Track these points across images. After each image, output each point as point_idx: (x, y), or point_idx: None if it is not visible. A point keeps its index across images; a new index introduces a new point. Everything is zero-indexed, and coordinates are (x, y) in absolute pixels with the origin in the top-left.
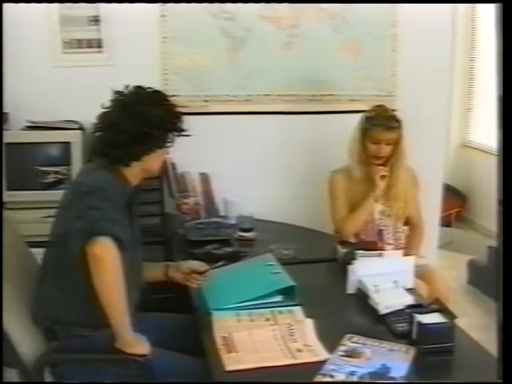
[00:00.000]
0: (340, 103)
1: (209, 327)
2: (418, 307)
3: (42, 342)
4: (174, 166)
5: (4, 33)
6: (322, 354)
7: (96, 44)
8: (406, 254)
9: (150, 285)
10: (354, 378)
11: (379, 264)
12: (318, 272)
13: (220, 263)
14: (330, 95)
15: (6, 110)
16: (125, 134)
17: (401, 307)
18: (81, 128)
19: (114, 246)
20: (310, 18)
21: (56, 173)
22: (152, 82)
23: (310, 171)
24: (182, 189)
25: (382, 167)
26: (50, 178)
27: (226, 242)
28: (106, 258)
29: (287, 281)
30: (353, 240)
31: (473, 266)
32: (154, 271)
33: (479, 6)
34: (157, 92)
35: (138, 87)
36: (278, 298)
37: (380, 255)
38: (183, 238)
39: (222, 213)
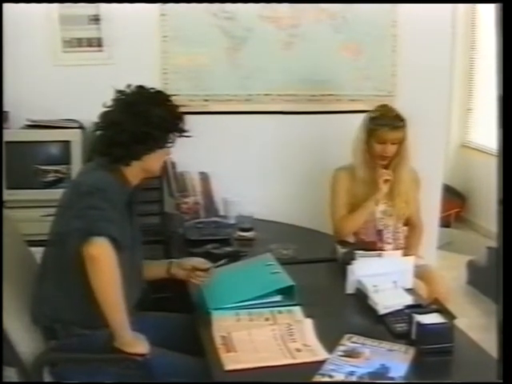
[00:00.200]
0: (340, 103)
1: (208, 327)
2: (418, 307)
3: (41, 341)
4: (173, 165)
5: (4, 32)
6: (321, 353)
7: (96, 43)
8: (404, 254)
9: (149, 284)
10: (353, 378)
11: (378, 264)
12: (317, 272)
13: (223, 261)
14: (330, 95)
15: (5, 108)
16: (126, 133)
17: (400, 307)
18: (81, 127)
19: (111, 247)
20: (310, 17)
21: (56, 172)
22: (152, 81)
23: (309, 171)
24: (181, 188)
25: (386, 171)
26: (50, 177)
27: (225, 242)
28: (102, 258)
29: (286, 281)
30: (352, 240)
31: (472, 267)
32: (157, 268)
33: (479, 6)
34: (159, 92)
35: (140, 87)
36: (278, 298)
37: (379, 255)
38: (183, 237)
39: (221, 212)
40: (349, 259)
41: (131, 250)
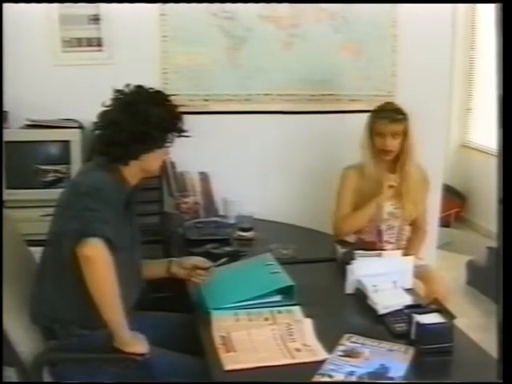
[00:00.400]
0: (340, 103)
1: (207, 326)
2: (417, 307)
3: (40, 340)
4: (173, 165)
5: (4, 32)
6: (320, 353)
7: (96, 43)
8: (405, 255)
9: (148, 284)
10: (353, 378)
11: (378, 264)
12: (317, 272)
13: (223, 260)
14: (329, 95)
15: (5, 108)
16: (125, 133)
17: (400, 307)
18: (80, 127)
19: (105, 247)
20: (310, 17)
21: (55, 171)
22: (152, 81)
23: (309, 171)
24: (181, 188)
25: (392, 176)
26: (50, 177)
27: (225, 242)
28: (97, 259)
29: (286, 280)
30: (352, 239)
31: (472, 267)
32: (156, 268)
33: (479, 6)
34: (158, 92)
35: (139, 86)
36: (277, 298)
37: (379, 255)
38: (182, 237)
39: (221, 212)
40: (348, 259)
41: (130, 250)
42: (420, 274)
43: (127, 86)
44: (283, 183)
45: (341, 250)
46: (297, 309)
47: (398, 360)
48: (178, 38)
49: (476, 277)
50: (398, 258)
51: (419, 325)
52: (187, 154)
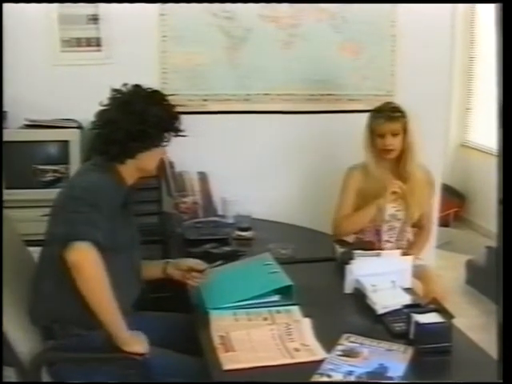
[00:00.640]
0: (339, 103)
1: (206, 326)
2: (416, 307)
3: (39, 340)
4: (172, 164)
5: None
6: (319, 353)
7: (95, 42)
8: (405, 255)
9: (147, 284)
10: (352, 378)
11: (377, 264)
12: (315, 271)
13: (218, 262)
14: (329, 95)
15: (4, 108)
16: (121, 131)
17: (398, 307)
18: (79, 126)
19: (93, 251)
20: (310, 17)
21: (54, 171)
22: (151, 80)
23: (308, 171)
24: (180, 188)
25: (396, 182)
26: (49, 177)
27: (224, 241)
28: (85, 263)
29: (285, 280)
30: (351, 239)
31: (471, 266)
32: (153, 268)
33: (478, 6)
34: (155, 91)
35: (137, 86)
36: (276, 298)
37: (378, 255)
38: (181, 236)
39: (220, 212)
40: (347, 259)
41: (129, 250)
42: (418, 273)
43: (125, 85)
44: (282, 183)
45: (340, 249)
46: (295, 308)
47: (396, 360)
48: (177, 38)
49: (475, 276)
50: (396, 258)
51: (418, 324)
52: (186, 153)
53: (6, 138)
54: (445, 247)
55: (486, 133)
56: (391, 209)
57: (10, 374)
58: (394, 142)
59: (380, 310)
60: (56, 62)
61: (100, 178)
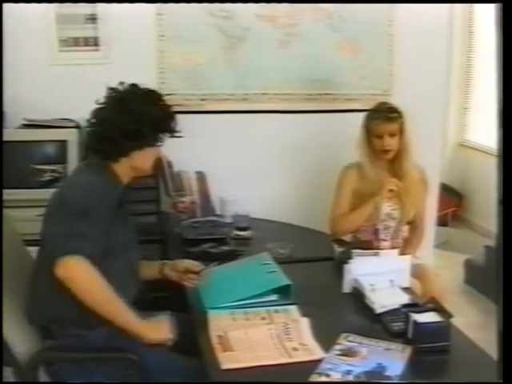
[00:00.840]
0: (337, 102)
1: (204, 326)
2: (414, 306)
3: (37, 340)
4: (170, 164)
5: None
6: (317, 353)
7: (93, 42)
8: (402, 254)
9: (145, 283)
10: (350, 377)
11: (375, 263)
12: (314, 271)
13: (214, 263)
14: (326, 94)
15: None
16: (116, 130)
17: (397, 306)
18: (77, 126)
19: (85, 263)
20: (308, 17)
21: (52, 171)
22: (149, 80)
23: (306, 170)
24: (178, 187)
25: (393, 180)
26: (47, 177)
27: (222, 241)
28: (78, 278)
29: (283, 280)
30: (349, 239)
31: (469, 266)
32: (150, 269)
33: (476, 6)
34: (152, 91)
35: (133, 85)
36: (274, 297)
37: (376, 254)
38: (179, 236)
39: (218, 211)
40: (345, 258)
41: (126, 250)
42: (416, 273)
43: (121, 83)
44: (280, 182)
45: (338, 249)
46: (294, 308)
47: (395, 359)
48: (175, 38)
49: (473, 276)
50: (395, 257)
51: (416, 324)
52: (184, 153)
53: (4, 137)
54: (443, 246)
55: (484, 132)
56: (387, 208)
57: (7, 373)
58: (392, 143)
59: (378, 310)
60: (54, 62)
61: (94, 178)
